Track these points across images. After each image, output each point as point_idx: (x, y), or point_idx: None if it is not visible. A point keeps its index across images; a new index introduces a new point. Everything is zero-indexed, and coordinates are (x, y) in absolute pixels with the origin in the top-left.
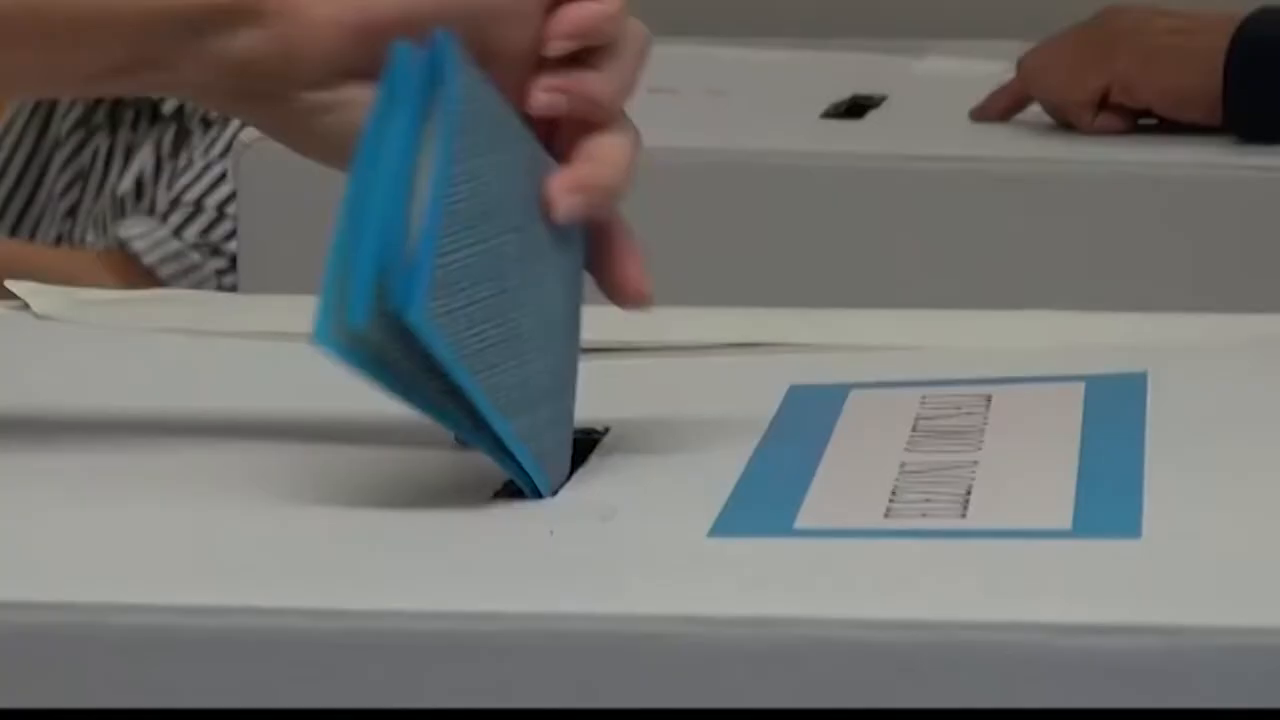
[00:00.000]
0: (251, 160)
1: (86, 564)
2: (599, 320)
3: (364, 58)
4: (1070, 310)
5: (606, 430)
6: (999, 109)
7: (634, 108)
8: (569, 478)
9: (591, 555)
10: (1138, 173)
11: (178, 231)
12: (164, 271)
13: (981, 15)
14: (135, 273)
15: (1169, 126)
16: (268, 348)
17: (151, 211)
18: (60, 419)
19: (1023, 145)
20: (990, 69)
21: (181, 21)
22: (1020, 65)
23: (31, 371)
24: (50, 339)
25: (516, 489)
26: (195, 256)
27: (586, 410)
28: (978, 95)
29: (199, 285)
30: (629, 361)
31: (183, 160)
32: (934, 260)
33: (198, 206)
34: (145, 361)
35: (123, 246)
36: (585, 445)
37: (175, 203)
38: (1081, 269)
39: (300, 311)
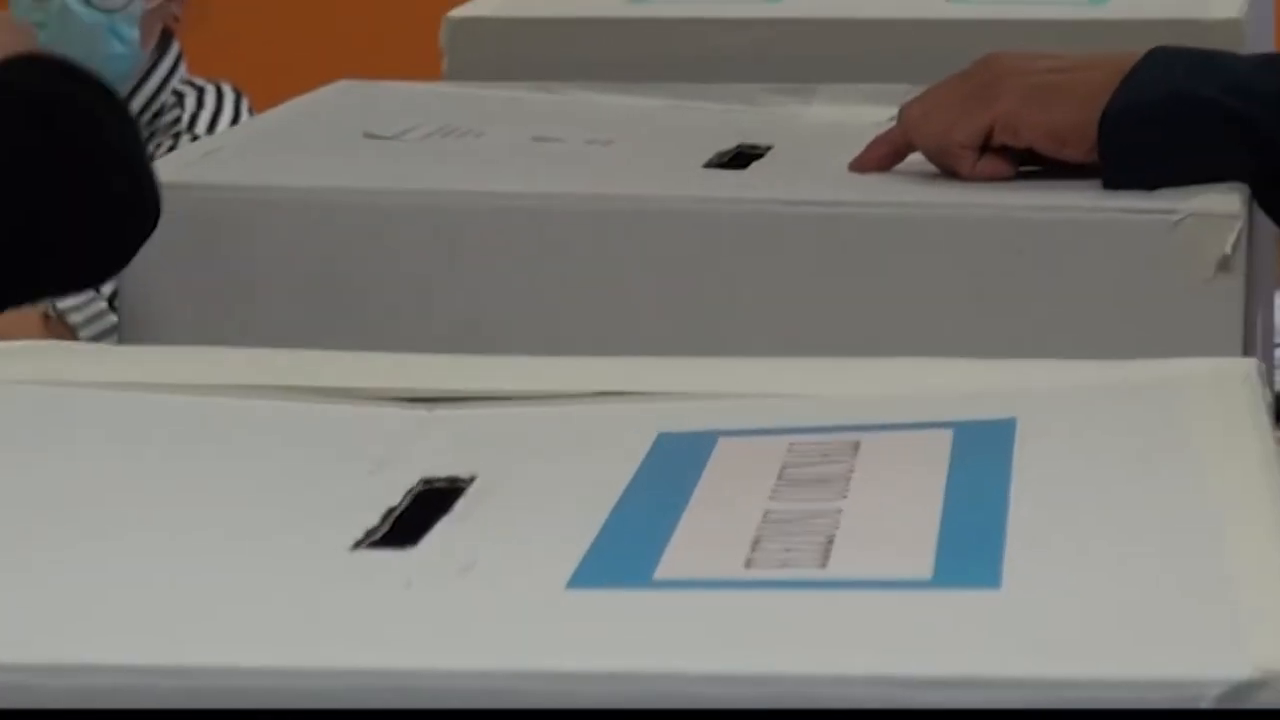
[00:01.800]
0: None
1: None
2: (466, 369)
3: None
4: (942, 356)
5: (472, 479)
6: (878, 159)
7: (518, 155)
8: (432, 527)
9: (448, 608)
10: (1009, 216)
11: (112, 300)
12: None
13: (872, 57)
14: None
15: (1051, 171)
16: (124, 399)
17: None
18: None
19: (898, 190)
20: (878, 116)
21: None
22: (901, 113)
23: None
24: None
25: (377, 540)
26: None
27: (453, 459)
28: (864, 143)
29: None
30: (496, 410)
31: None
32: (811, 307)
33: None
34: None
35: (61, 317)
36: (450, 494)
37: None
38: (954, 314)
39: (168, 362)
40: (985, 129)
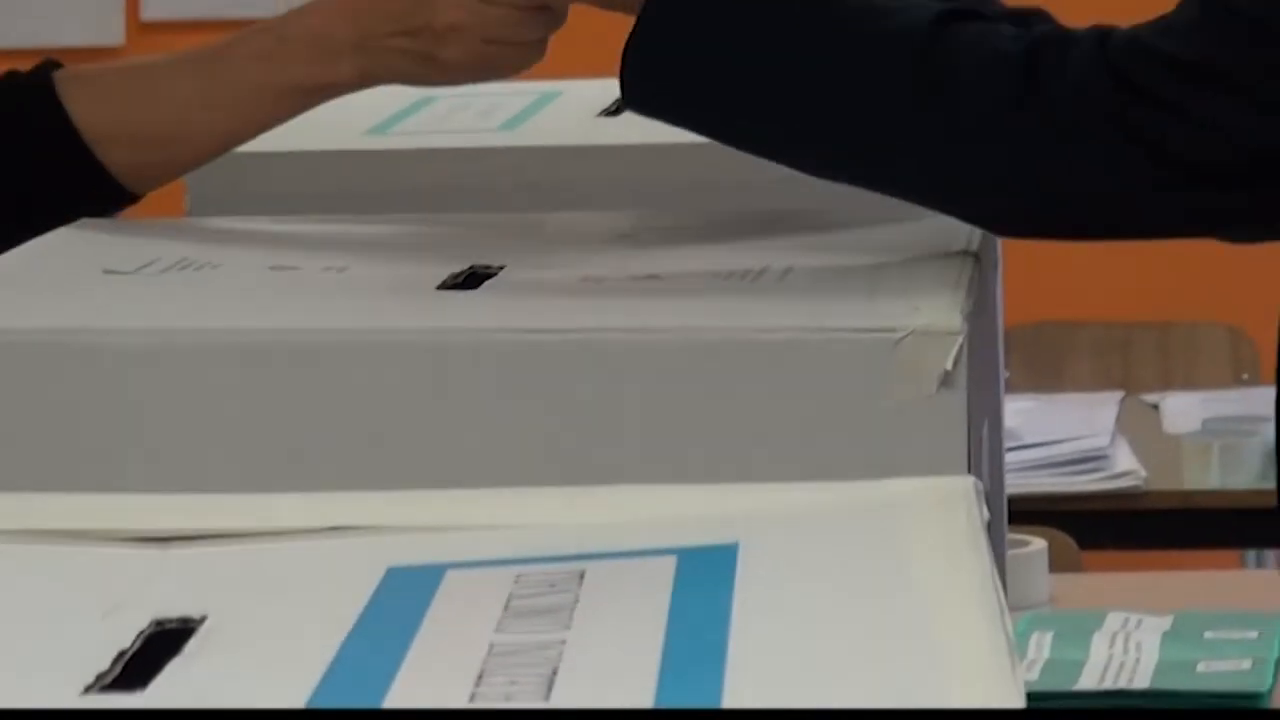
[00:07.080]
0: None
1: None
2: (199, 507)
3: None
4: (668, 481)
5: (204, 619)
6: None
7: (253, 287)
8: (162, 669)
9: None
10: (730, 339)
11: None
12: None
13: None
14: None
15: (768, 289)
16: None
17: None
18: None
19: (622, 314)
20: (613, 233)
21: None
22: None
23: None
24: None
25: (107, 684)
26: None
27: (182, 599)
28: (596, 262)
29: None
30: (229, 548)
31: None
32: (540, 435)
33: None
34: None
35: None
36: (179, 635)
37: None
38: (678, 438)
39: None
40: None
